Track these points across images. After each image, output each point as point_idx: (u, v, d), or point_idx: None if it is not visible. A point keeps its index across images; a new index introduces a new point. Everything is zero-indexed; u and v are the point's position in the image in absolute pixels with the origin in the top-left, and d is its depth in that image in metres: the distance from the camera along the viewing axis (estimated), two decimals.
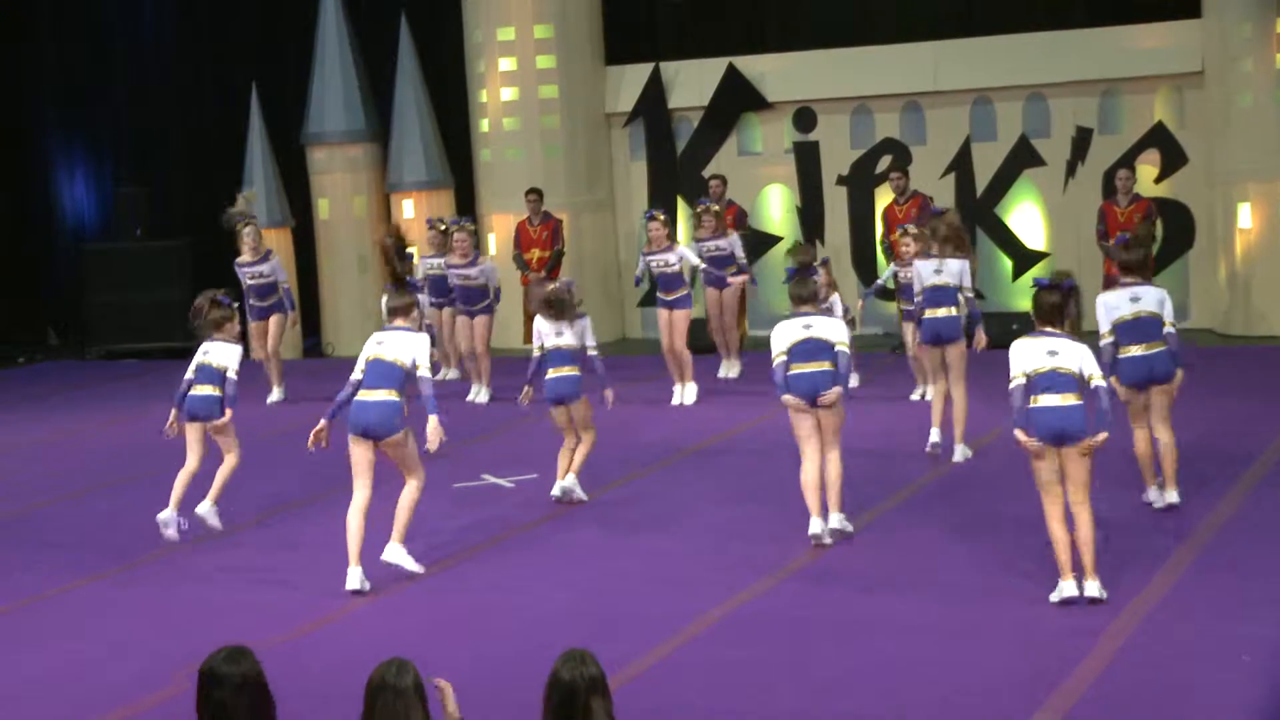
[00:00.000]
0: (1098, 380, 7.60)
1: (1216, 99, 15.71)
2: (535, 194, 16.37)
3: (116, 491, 11.72)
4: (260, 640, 7.83)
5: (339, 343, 18.04)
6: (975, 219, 16.71)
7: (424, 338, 8.74)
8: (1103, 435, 7.58)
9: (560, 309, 10.11)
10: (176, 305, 18.56)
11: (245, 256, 14.17)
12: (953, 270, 10.82)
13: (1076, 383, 7.59)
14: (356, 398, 8.64)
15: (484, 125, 17.79)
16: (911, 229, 12.26)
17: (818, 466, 8.83)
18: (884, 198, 16.16)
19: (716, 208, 14.32)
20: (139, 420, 14.63)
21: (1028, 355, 7.67)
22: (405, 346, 8.66)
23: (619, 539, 9.43)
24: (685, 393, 13.53)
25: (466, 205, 18.13)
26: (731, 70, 17.23)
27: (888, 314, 16.70)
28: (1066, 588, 7.66)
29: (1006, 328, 15.65)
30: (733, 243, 14.30)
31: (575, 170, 17.65)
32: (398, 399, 8.57)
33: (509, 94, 17.57)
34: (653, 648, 7.49)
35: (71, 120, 20.47)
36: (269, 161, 18.11)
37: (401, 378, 8.61)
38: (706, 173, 17.01)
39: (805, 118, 17.23)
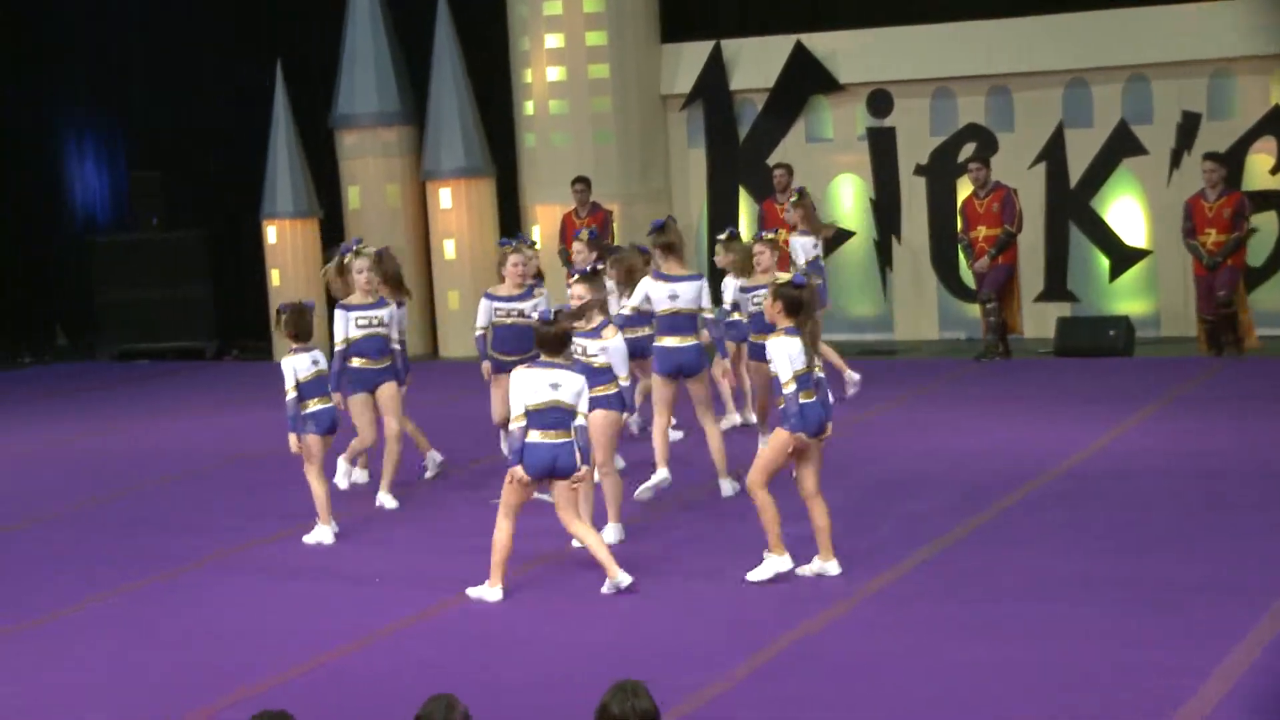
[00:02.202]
0: (819, 373, 8.78)
1: None
2: (583, 183, 16.34)
3: (138, 497, 11.76)
4: (292, 662, 7.84)
5: None
6: (1069, 213, 16.53)
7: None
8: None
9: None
10: (194, 301, 18.72)
11: (355, 298, 11.07)
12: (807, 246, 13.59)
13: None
14: (662, 344, 10.58)
15: (528, 108, 17.74)
16: (768, 236, 12.09)
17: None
18: (966, 190, 16.00)
19: (771, 236, 12.08)
20: (146, 424, 14.67)
21: (796, 358, 8.62)
22: (692, 293, 10.60)
23: (675, 563, 9.34)
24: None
25: (508, 195, 18.11)
26: (799, 49, 17.12)
27: (970, 316, 16.55)
28: (782, 563, 8.76)
29: (1103, 332, 15.50)
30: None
31: (628, 157, 17.58)
32: (697, 341, 10.55)
33: (556, 74, 17.52)
34: (710, 682, 7.39)
35: (82, 101, 20.59)
36: (294, 146, 18.14)
37: (697, 324, 10.54)
38: (771, 161, 16.95)
39: (880, 101, 17.09)
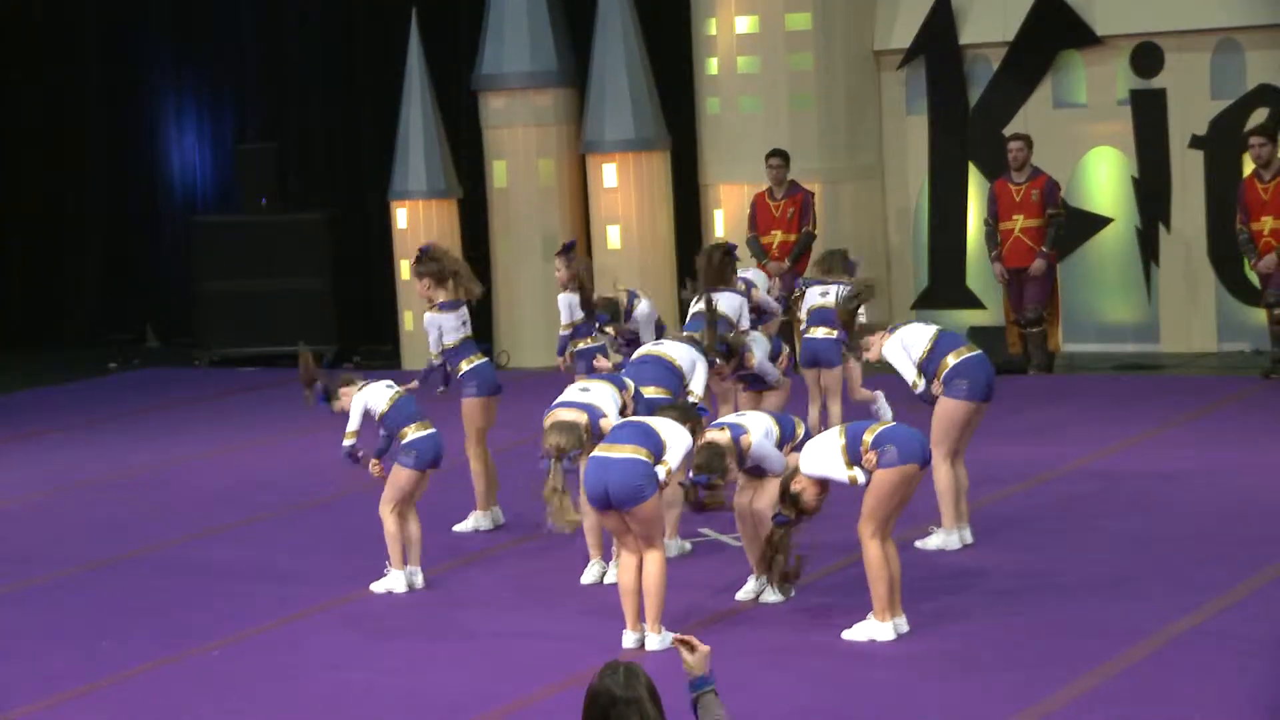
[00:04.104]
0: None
1: None
2: (779, 157, 16.17)
3: (233, 536, 11.87)
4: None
5: (517, 350, 17.96)
6: None
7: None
8: None
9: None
10: (310, 297, 18.80)
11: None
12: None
13: None
14: None
15: (712, 66, 17.61)
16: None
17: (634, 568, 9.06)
18: (1250, 168, 15.57)
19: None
20: (249, 447, 14.76)
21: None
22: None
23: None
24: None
25: (686, 172, 17.97)
26: None
27: (1257, 324, 16.11)
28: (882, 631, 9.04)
29: None
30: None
31: (832, 127, 17.39)
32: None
33: (746, 24, 17.39)
34: None
35: (185, 59, 20.83)
36: (430, 112, 18.15)
37: None
38: (1008, 131, 16.70)
39: (1148, 57, 16.73)
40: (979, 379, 10.21)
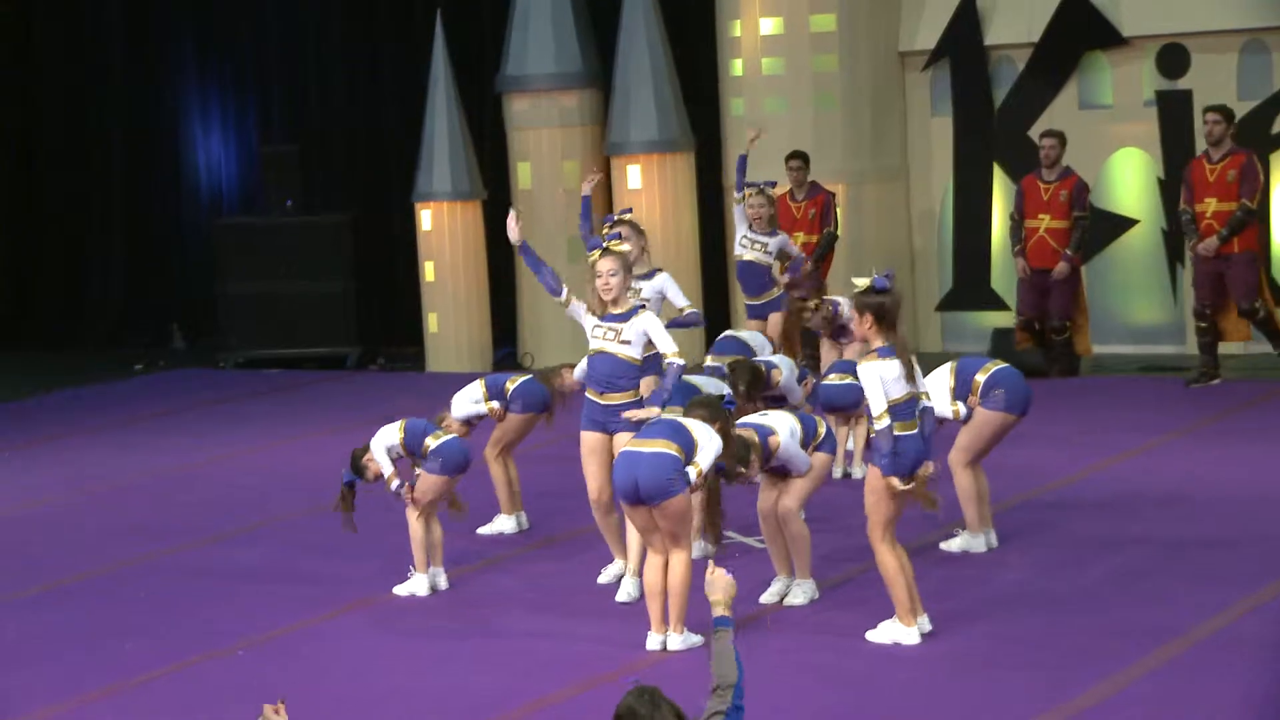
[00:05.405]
0: (924, 400, 8.85)
1: None
2: (800, 159, 16.17)
3: (255, 538, 11.89)
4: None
5: (540, 352, 17.97)
6: None
7: None
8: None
9: None
10: (333, 299, 18.81)
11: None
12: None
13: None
14: None
15: (736, 67, 17.62)
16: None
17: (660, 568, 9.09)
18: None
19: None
20: (271, 448, 14.80)
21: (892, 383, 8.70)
22: None
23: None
24: None
25: (710, 173, 17.97)
26: None
27: None
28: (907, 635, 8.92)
29: None
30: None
31: (856, 128, 17.39)
32: None
33: (770, 26, 17.40)
34: None
35: (209, 59, 20.87)
36: (455, 114, 18.17)
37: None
38: (1035, 131, 16.63)
39: (1174, 58, 16.69)
40: (1016, 390, 10.19)
